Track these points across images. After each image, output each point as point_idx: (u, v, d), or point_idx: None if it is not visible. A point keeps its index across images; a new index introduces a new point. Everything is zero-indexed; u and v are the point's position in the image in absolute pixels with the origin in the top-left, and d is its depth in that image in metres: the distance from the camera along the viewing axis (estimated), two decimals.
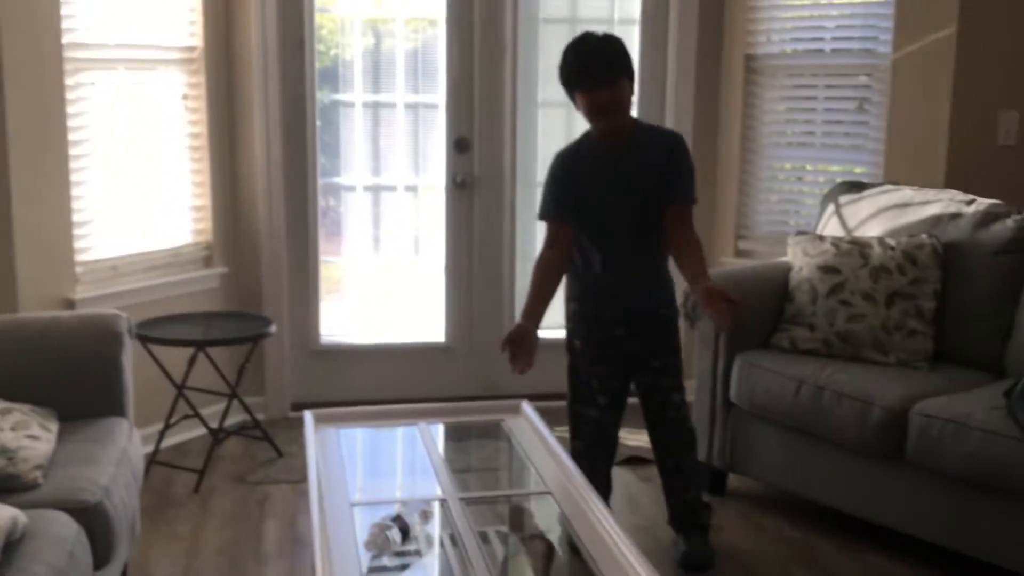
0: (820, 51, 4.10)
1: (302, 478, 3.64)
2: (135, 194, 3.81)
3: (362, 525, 2.20)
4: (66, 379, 2.71)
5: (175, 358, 3.66)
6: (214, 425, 3.78)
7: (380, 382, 4.31)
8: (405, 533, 2.13)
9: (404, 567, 2.13)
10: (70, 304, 3.51)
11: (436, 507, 2.31)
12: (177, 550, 3.12)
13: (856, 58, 4.00)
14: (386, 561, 2.12)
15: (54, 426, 2.57)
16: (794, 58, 4.14)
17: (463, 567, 2.08)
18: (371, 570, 2.07)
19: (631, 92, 2.85)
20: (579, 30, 2.92)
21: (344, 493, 2.38)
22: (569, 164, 2.94)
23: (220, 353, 3.78)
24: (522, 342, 2.77)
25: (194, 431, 3.92)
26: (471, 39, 4.22)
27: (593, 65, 2.78)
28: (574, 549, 2.18)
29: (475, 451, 2.93)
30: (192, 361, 3.70)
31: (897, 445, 2.95)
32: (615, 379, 3.03)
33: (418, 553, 2.15)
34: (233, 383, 3.75)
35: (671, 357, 3.03)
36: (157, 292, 3.85)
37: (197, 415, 3.78)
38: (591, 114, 2.83)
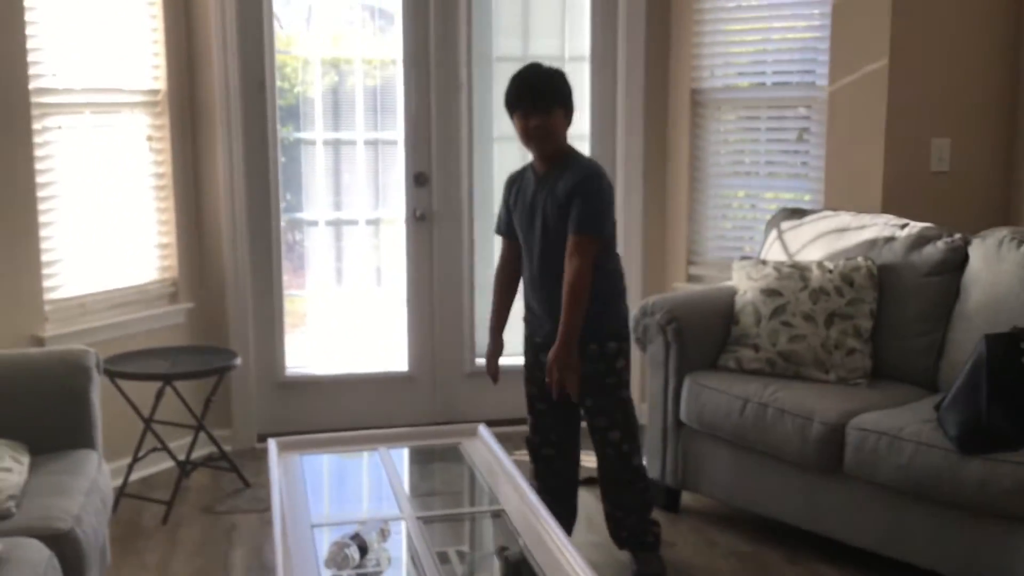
0: (762, 84, 4.29)
1: (269, 507, 3.75)
2: (102, 233, 3.92)
3: (323, 546, 2.31)
4: (37, 413, 2.80)
5: (143, 393, 3.75)
6: (182, 457, 3.87)
7: (345, 412, 4.42)
8: (364, 551, 2.24)
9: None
10: (39, 341, 3.60)
11: (394, 527, 2.42)
12: None
13: (795, 91, 4.19)
14: None
15: (26, 458, 2.66)
16: (737, 92, 4.33)
17: None
18: None
19: (565, 123, 3.00)
20: None
21: (306, 516, 2.50)
22: (509, 185, 3.17)
23: (187, 387, 3.87)
24: (492, 356, 3.19)
25: (162, 464, 4.01)
26: (427, 77, 4.37)
27: (527, 92, 2.96)
28: (528, 567, 2.30)
29: (434, 474, 3.05)
30: (159, 395, 3.80)
31: (836, 458, 3.10)
32: (542, 402, 3.15)
33: (377, 571, 2.26)
34: (200, 416, 3.84)
35: (603, 396, 3.05)
36: (124, 328, 3.95)
37: (165, 448, 3.86)
38: (522, 138, 3.01)
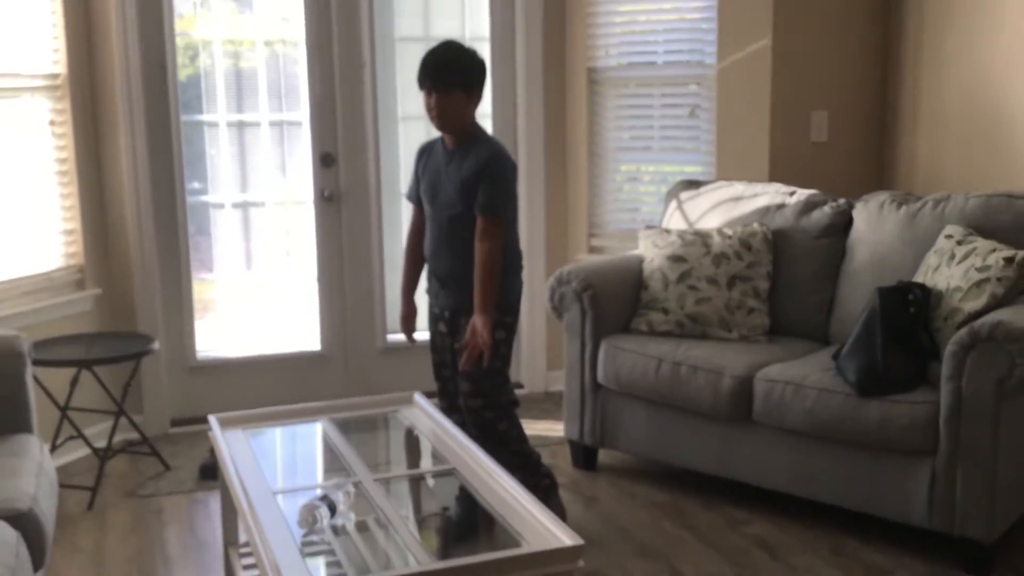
0: (653, 63, 4.51)
1: (194, 488, 3.78)
2: (4, 220, 3.83)
3: (289, 511, 2.39)
4: None
5: (55, 381, 3.71)
6: (99, 444, 3.84)
7: (259, 393, 4.44)
8: (333, 511, 2.34)
9: (333, 542, 2.33)
10: None
11: (353, 489, 2.52)
12: (83, 562, 3.20)
13: (686, 69, 4.43)
14: (316, 537, 2.31)
15: None
16: (631, 70, 4.54)
17: (388, 538, 2.31)
18: (304, 545, 2.27)
19: (466, 103, 3.09)
20: None
21: (264, 484, 2.56)
22: (420, 154, 3.31)
23: (100, 374, 3.84)
24: (404, 317, 3.40)
25: (76, 452, 3.97)
26: (331, 58, 4.42)
27: (428, 71, 3.08)
28: (486, 515, 2.44)
29: (378, 440, 3.15)
30: (74, 382, 3.76)
31: (746, 408, 3.35)
32: (446, 368, 3.31)
33: (345, 528, 2.36)
34: (120, 401, 3.81)
35: (474, 364, 3.08)
36: (33, 317, 3.88)
37: (81, 436, 3.82)
38: (427, 114, 3.13)
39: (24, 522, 2.34)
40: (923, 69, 4.18)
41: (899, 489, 3.08)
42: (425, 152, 3.29)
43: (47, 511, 2.50)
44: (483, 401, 3.19)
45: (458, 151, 3.14)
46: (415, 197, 3.32)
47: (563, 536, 2.20)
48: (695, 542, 3.28)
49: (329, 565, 2.31)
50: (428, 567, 2.12)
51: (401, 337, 4.70)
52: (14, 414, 2.83)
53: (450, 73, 3.07)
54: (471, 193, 3.07)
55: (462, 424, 3.28)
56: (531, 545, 2.19)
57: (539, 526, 2.29)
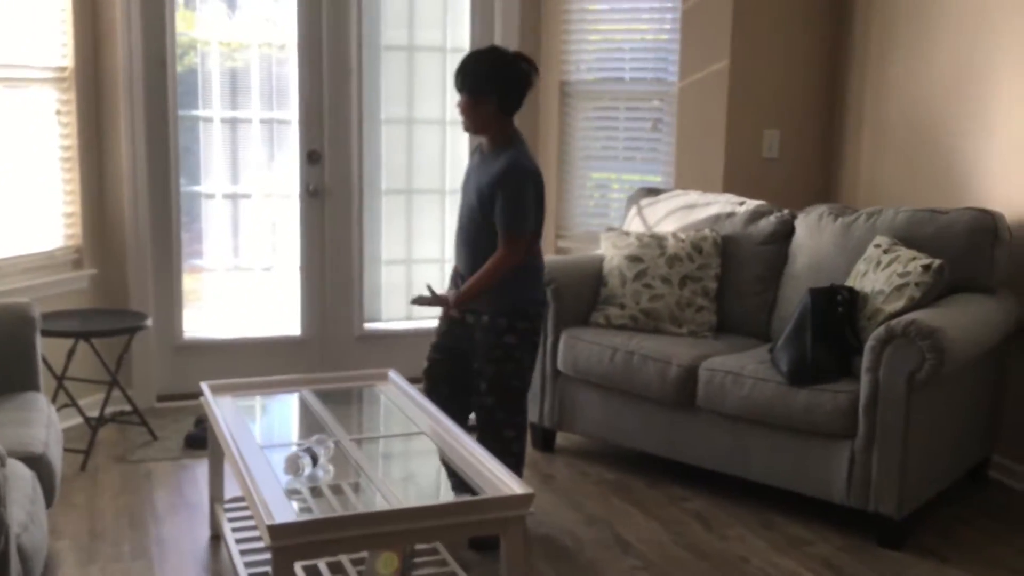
0: (621, 79, 4.86)
1: (180, 456, 4.07)
2: (11, 201, 4.11)
3: (275, 462, 2.69)
4: None
5: (53, 352, 3.99)
6: (91, 414, 4.12)
7: (241, 373, 4.65)
8: (315, 461, 2.65)
9: (314, 487, 2.64)
10: None
11: (333, 445, 2.83)
12: (78, 515, 3.48)
13: (650, 86, 4.78)
14: (299, 484, 2.62)
15: None
16: (599, 84, 4.88)
17: (361, 483, 2.63)
18: (289, 491, 2.58)
19: (483, 108, 3.16)
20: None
21: (252, 440, 2.87)
22: (472, 152, 3.43)
23: (93, 349, 4.12)
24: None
25: (70, 420, 4.24)
26: (320, 62, 4.73)
27: (456, 71, 3.21)
28: (452, 473, 2.75)
29: (352, 408, 3.46)
30: (71, 353, 4.04)
31: (690, 395, 3.69)
32: (441, 353, 3.40)
33: (327, 475, 2.67)
34: (114, 372, 4.10)
35: (489, 364, 3.21)
36: (34, 292, 4.13)
37: (75, 404, 4.10)
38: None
39: (39, 464, 2.64)
40: (867, 93, 4.55)
41: (822, 469, 3.42)
42: (474, 151, 3.40)
43: (56, 457, 2.80)
44: (495, 399, 3.23)
45: (490, 155, 3.23)
46: None
47: (515, 486, 2.52)
48: (639, 514, 3.61)
49: (304, 511, 2.61)
50: (398, 507, 2.43)
51: (378, 325, 5.05)
52: (25, 374, 3.12)
53: (473, 77, 3.15)
54: (487, 200, 3.16)
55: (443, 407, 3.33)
56: (487, 493, 2.51)
57: (496, 479, 2.61)
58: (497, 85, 3.15)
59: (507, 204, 3.12)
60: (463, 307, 3.23)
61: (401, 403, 3.25)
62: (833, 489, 3.40)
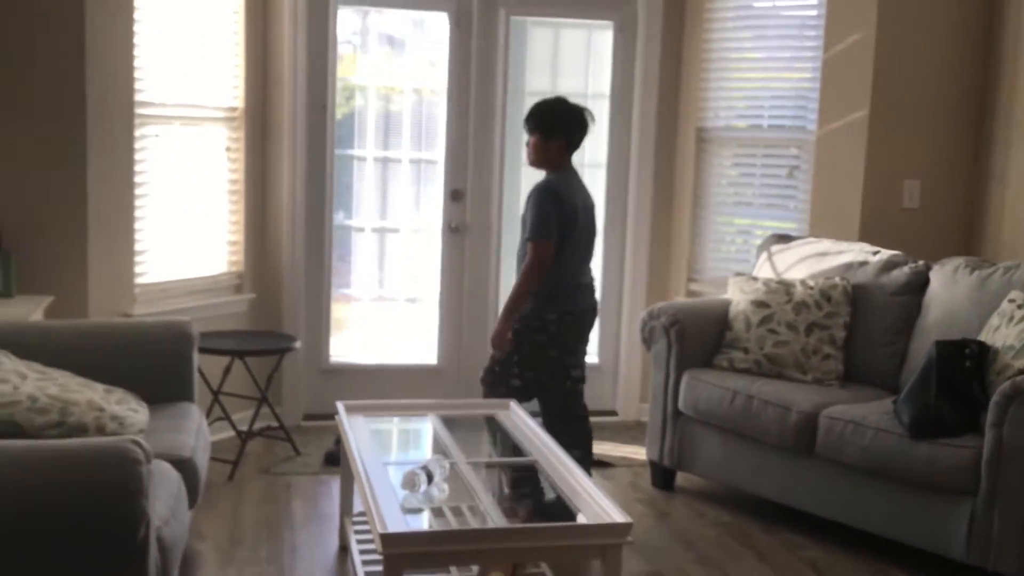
0: (759, 126, 4.91)
1: (319, 472, 4.34)
2: (184, 229, 4.51)
3: (396, 477, 2.89)
4: (149, 371, 3.39)
5: (211, 369, 4.33)
6: (241, 428, 4.44)
7: (379, 397, 4.91)
8: (430, 479, 2.83)
9: (436, 508, 2.82)
10: (128, 319, 4.17)
11: (449, 466, 3.00)
12: (222, 521, 3.78)
13: (788, 133, 4.81)
14: (419, 502, 2.80)
15: (144, 405, 3.24)
16: (737, 132, 4.95)
17: (473, 503, 2.79)
18: (409, 508, 2.76)
19: (544, 145, 3.76)
20: None
21: (378, 457, 3.08)
22: None
23: (247, 367, 4.45)
24: None
25: (222, 433, 4.58)
26: (467, 106, 4.99)
27: (527, 117, 3.82)
28: (559, 499, 2.88)
29: (474, 434, 3.63)
30: (227, 371, 4.38)
31: (809, 442, 3.69)
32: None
33: (442, 493, 2.84)
34: (264, 390, 4.42)
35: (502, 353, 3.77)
36: (198, 312, 4.52)
37: (228, 418, 4.44)
38: None
39: (185, 467, 2.91)
40: (1013, 145, 4.45)
41: (941, 524, 3.37)
42: None
43: (202, 462, 3.08)
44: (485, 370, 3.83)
45: None
46: None
47: (616, 515, 2.62)
48: (752, 559, 3.63)
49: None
50: (503, 526, 2.58)
51: None
52: (181, 385, 3.43)
53: (534, 120, 3.79)
54: (524, 222, 3.74)
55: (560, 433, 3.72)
56: (590, 520, 2.63)
57: (599, 509, 2.72)
58: (544, 125, 3.75)
59: (532, 215, 3.68)
60: (504, 332, 3.71)
61: (518, 431, 3.40)
62: (952, 545, 3.34)
